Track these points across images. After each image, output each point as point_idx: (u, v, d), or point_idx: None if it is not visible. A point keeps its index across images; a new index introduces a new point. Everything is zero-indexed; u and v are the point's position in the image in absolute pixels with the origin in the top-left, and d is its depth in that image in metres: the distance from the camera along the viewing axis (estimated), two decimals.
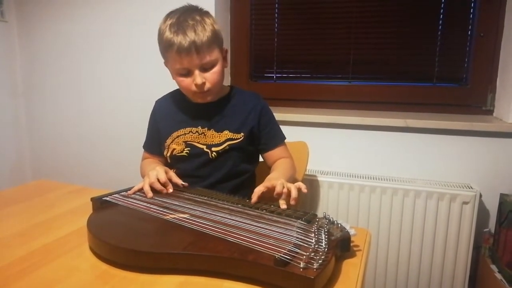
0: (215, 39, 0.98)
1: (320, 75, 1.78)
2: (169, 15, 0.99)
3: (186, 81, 1.00)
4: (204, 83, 0.99)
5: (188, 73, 0.99)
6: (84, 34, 1.90)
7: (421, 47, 1.63)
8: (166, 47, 0.97)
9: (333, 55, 1.74)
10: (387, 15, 1.64)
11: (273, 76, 1.84)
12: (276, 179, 0.88)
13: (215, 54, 0.98)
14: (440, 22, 1.59)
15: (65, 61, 1.97)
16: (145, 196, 0.90)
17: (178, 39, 0.94)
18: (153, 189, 0.92)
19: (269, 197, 0.86)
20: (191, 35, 0.93)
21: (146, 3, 1.76)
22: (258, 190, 0.85)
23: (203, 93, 1.01)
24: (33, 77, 2.06)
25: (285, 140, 1.14)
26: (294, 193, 0.83)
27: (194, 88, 0.99)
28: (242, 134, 1.06)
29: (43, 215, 0.91)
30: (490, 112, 1.58)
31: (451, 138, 1.51)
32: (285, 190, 0.84)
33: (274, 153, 1.11)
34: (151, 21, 1.73)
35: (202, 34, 0.94)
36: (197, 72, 0.97)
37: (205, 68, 0.99)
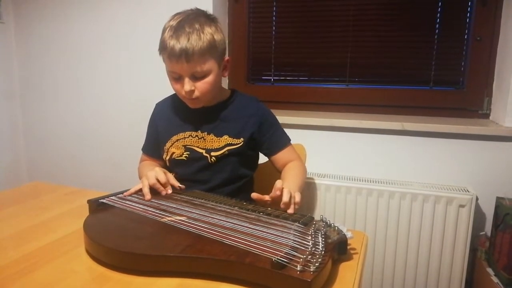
0: (211, 49, 0.96)
1: (318, 78, 1.79)
2: (175, 16, 0.98)
3: (177, 85, 1.00)
4: (192, 91, 0.98)
5: (179, 78, 0.98)
6: (81, 35, 1.90)
7: (418, 50, 1.63)
8: (161, 47, 0.98)
9: (331, 58, 1.74)
10: (384, 18, 1.65)
11: (271, 79, 1.84)
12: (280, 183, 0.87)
13: (208, 65, 0.97)
14: (437, 26, 1.60)
15: (62, 62, 1.96)
16: (142, 198, 0.89)
17: (171, 44, 0.93)
18: (151, 191, 0.92)
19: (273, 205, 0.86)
20: (183, 43, 0.92)
21: (144, 4, 1.76)
22: (264, 196, 0.85)
23: (192, 99, 1.00)
24: (30, 78, 2.05)
25: (290, 141, 1.13)
26: (297, 198, 0.83)
27: (183, 93, 0.99)
28: (242, 139, 1.06)
29: (38, 217, 0.91)
30: (486, 115, 1.59)
31: (447, 141, 1.51)
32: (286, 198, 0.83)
33: (280, 156, 1.10)
34: (149, 22, 1.75)
35: (195, 44, 0.92)
36: (186, 79, 0.97)
37: (196, 77, 0.97)
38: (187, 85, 0.97)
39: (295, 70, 1.82)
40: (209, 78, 0.98)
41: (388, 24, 1.65)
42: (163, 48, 0.96)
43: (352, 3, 1.67)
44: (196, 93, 0.99)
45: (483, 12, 1.53)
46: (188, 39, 0.92)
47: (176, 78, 0.99)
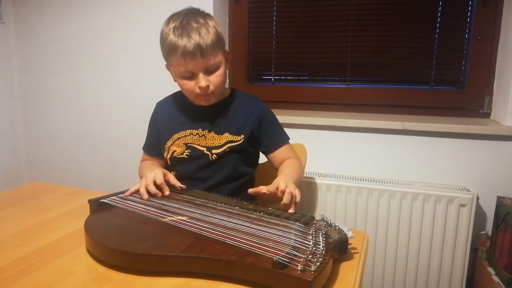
0: (219, 41, 0.98)
1: (318, 77, 1.79)
2: (172, 18, 0.98)
3: (190, 84, 0.99)
4: (208, 86, 0.98)
5: (192, 76, 0.98)
6: (81, 35, 1.90)
7: (418, 50, 1.63)
8: (170, 50, 0.96)
9: (331, 58, 1.74)
10: (385, 18, 1.65)
11: (271, 79, 1.84)
12: (282, 183, 0.86)
13: (219, 57, 0.99)
14: (438, 25, 1.60)
15: (62, 62, 1.96)
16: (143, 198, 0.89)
17: (183, 42, 0.93)
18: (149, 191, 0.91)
19: (271, 200, 0.86)
20: (196, 38, 0.93)
21: (144, 4, 1.76)
22: (260, 188, 0.85)
23: (206, 95, 1.01)
24: (30, 78, 2.05)
25: (289, 139, 1.14)
26: (298, 198, 0.83)
27: (197, 90, 0.99)
28: (242, 136, 1.06)
29: (39, 217, 0.90)
30: (487, 115, 1.59)
31: (448, 140, 1.51)
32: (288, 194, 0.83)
33: (278, 154, 1.10)
34: (149, 22, 1.75)
35: (207, 37, 0.94)
36: (201, 75, 0.97)
37: (209, 71, 0.98)
38: (203, 80, 0.97)
39: (295, 70, 1.82)
40: (221, 70, 1.00)
41: (388, 24, 1.65)
42: (173, 49, 0.95)
43: (352, 3, 1.67)
44: (211, 88, 0.99)
45: (483, 12, 1.53)
46: (200, 34, 0.93)
47: (188, 77, 0.99)
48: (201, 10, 1.02)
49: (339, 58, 1.73)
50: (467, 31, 1.57)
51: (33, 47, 2.01)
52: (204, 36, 0.94)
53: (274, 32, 1.80)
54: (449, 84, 1.63)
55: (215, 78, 0.99)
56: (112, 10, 1.82)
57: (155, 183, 0.92)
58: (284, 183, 0.84)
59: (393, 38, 1.65)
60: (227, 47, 1.07)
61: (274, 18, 1.79)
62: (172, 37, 0.94)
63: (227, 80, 1.84)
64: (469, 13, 1.56)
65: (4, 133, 2.05)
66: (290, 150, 1.12)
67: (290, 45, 1.79)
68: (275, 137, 1.11)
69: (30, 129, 2.11)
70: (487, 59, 1.55)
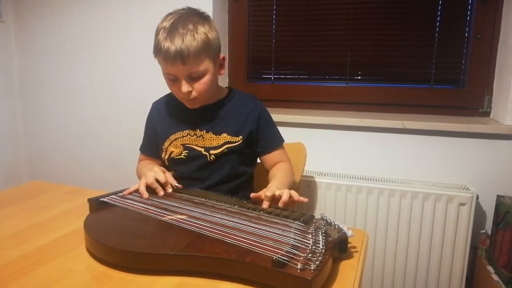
0: (205, 49, 0.95)
1: (318, 76, 1.79)
2: (168, 16, 0.98)
3: (174, 86, 0.99)
4: (190, 92, 0.98)
5: (176, 79, 0.98)
6: (81, 34, 1.90)
7: (418, 49, 1.63)
8: (155, 50, 0.97)
9: (331, 56, 1.74)
10: (384, 17, 1.65)
11: (271, 77, 1.84)
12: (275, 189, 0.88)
13: (203, 65, 0.96)
14: (437, 24, 1.60)
15: (62, 61, 1.96)
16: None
17: (166, 46, 0.92)
18: (149, 190, 0.91)
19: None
20: (177, 44, 0.91)
21: (143, 4, 1.76)
22: (262, 194, 0.85)
23: (189, 100, 1.00)
24: (29, 77, 2.05)
25: (284, 142, 1.14)
26: (285, 196, 0.83)
27: (181, 95, 0.99)
28: (240, 137, 1.06)
29: (39, 216, 0.90)
30: (487, 114, 1.59)
31: (448, 139, 1.51)
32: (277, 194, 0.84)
33: (271, 157, 1.10)
34: (148, 22, 1.73)
35: (190, 44, 0.92)
36: (183, 81, 0.96)
37: (192, 78, 0.97)
38: (185, 86, 0.96)
39: (295, 69, 1.82)
40: (206, 78, 0.98)
41: (388, 22, 1.65)
42: (158, 51, 0.95)
43: (352, 1, 1.67)
44: (194, 94, 0.98)
45: (483, 10, 1.53)
46: (183, 41, 0.92)
47: (173, 79, 0.98)
48: (200, 12, 1.00)
49: (339, 56, 1.72)
50: (467, 29, 1.57)
51: (33, 46, 2.00)
52: (187, 43, 0.91)
53: (274, 31, 1.80)
54: (449, 83, 1.63)
55: (198, 86, 0.98)
56: (113, 9, 1.81)
57: (158, 182, 0.92)
58: (282, 192, 0.84)
59: (393, 36, 1.65)
60: (224, 51, 1.05)
61: (274, 16, 1.79)
62: (159, 37, 0.94)
63: (226, 79, 1.84)
64: (469, 12, 1.56)
65: (4, 132, 2.05)
66: (283, 153, 1.12)
67: (289, 44, 1.79)
68: (271, 139, 1.11)
69: (30, 128, 2.11)
70: (487, 58, 1.55)
